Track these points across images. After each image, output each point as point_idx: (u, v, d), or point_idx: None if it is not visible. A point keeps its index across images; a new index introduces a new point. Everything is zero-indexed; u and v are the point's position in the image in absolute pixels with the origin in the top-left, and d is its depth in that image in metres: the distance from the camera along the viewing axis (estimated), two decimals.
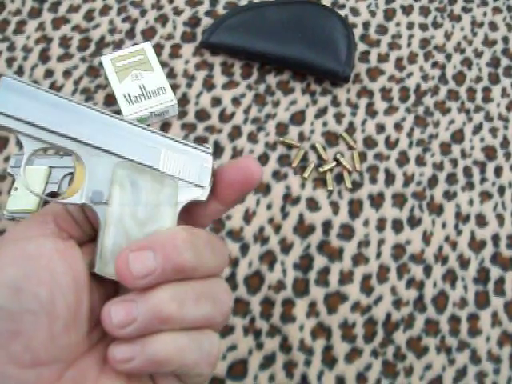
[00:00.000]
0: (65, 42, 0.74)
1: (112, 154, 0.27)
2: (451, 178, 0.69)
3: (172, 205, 0.27)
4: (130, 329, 0.23)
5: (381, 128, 0.71)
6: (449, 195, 0.68)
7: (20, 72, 0.71)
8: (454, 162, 0.70)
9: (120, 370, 0.23)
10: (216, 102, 0.71)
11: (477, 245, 0.66)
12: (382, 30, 0.78)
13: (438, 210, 0.67)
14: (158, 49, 0.74)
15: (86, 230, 0.27)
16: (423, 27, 0.79)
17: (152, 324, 0.23)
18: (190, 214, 0.29)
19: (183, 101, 0.71)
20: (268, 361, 0.59)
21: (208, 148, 0.30)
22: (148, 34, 0.75)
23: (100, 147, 0.27)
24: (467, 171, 0.70)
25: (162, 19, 0.76)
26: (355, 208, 0.66)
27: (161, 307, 0.23)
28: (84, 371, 0.24)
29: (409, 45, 0.77)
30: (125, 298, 0.24)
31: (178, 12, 0.77)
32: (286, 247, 0.63)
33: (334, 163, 0.67)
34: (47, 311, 0.22)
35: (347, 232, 0.65)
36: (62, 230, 0.26)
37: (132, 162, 0.27)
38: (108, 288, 0.27)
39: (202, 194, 0.28)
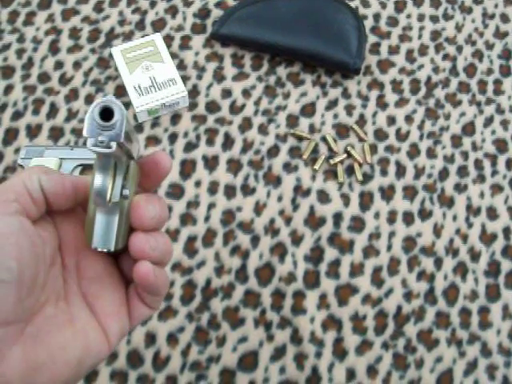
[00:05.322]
0: (74, 33, 0.74)
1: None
2: (462, 171, 0.69)
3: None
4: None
5: (391, 120, 0.71)
6: (460, 188, 0.68)
7: (30, 63, 0.71)
8: (465, 155, 0.70)
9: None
10: (226, 93, 0.71)
11: (488, 237, 0.65)
12: (392, 21, 0.78)
13: (448, 202, 0.67)
14: (167, 40, 0.73)
15: (40, 209, 0.30)
16: (434, 19, 0.78)
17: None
18: None
19: (193, 92, 0.70)
20: (279, 353, 0.59)
21: None
22: (158, 25, 0.75)
23: None
24: (478, 164, 0.69)
25: (172, 10, 0.76)
26: (366, 200, 0.66)
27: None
28: (39, 326, 0.29)
29: (420, 37, 0.77)
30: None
31: (187, 3, 0.76)
32: (297, 239, 0.63)
33: (345, 155, 0.67)
34: (17, 281, 0.26)
35: (358, 224, 0.65)
36: (22, 209, 0.29)
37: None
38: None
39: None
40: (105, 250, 0.31)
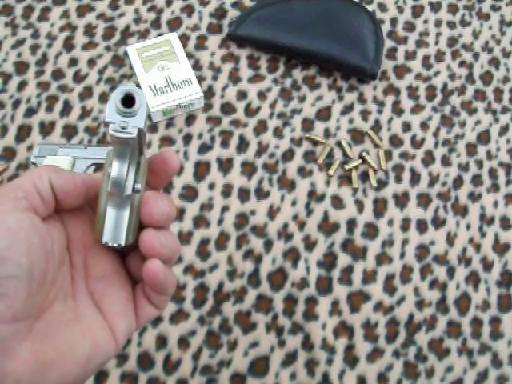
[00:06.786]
0: (89, 30, 0.73)
1: None
2: (476, 180, 0.68)
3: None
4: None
5: (407, 126, 0.70)
6: (473, 197, 0.67)
7: (44, 60, 0.71)
8: (480, 163, 0.69)
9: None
10: (242, 95, 0.70)
11: (501, 247, 0.65)
12: (409, 26, 0.77)
13: (462, 211, 0.66)
14: (183, 40, 0.73)
15: (49, 208, 0.30)
16: (451, 25, 0.78)
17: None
18: None
19: (209, 93, 0.70)
20: (290, 358, 0.58)
21: None
22: (173, 24, 0.74)
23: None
24: (492, 173, 0.69)
25: (188, 10, 0.75)
26: (380, 207, 0.66)
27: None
28: (48, 323, 0.29)
29: (436, 43, 0.76)
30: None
31: (204, 3, 0.76)
32: (310, 244, 0.63)
33: (360, 161, 0.67)
34: (27, 276, 0.27)
35: (371, 231, 0.64)
36: (31, 207, 0.29)
37: None
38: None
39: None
40: (115, 245, 0.31)
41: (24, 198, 0.28)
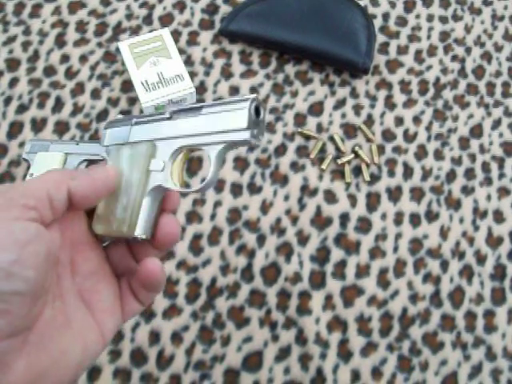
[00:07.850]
0: (81, 26, 0.73)
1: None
2: (469, 173, 0.68)
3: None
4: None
5: (399, 121, 0.70)
6: (467, 190, 0.67)
7: (36, 56, 0.70)
8: (473, 157, 0.69)
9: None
10: (234, 90, 0.70)
11: (494, 241, 0.65)
12: (401, 21, 0.77)
13: (455, 204, 0.66)
14: (175, 35, 0.73)
15: (56, 216, 0.29)
16: (443, 20, 0.78)
17: None
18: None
19: (201, 89, 0.70)
20: (283, 353, 0.58)
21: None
22: (165, 20, 0.74)
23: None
24: (485, 166, 0.69)
25: (180, 5, 0.75)
26: (373, 201, 0.66)
27: None
28: (41, 332, 0.28)
29: (428, 37, 0.76)
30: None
31: None
32: (303, 239, 0.63)
33: (352, 155, 0.67)
34: (32, 291, 0.25)
35: (364, 225, 0.64)
36: (39, 216, 0.28)
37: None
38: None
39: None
40: (143, 237, 0.32)
41: (33, 209, 0.27)
